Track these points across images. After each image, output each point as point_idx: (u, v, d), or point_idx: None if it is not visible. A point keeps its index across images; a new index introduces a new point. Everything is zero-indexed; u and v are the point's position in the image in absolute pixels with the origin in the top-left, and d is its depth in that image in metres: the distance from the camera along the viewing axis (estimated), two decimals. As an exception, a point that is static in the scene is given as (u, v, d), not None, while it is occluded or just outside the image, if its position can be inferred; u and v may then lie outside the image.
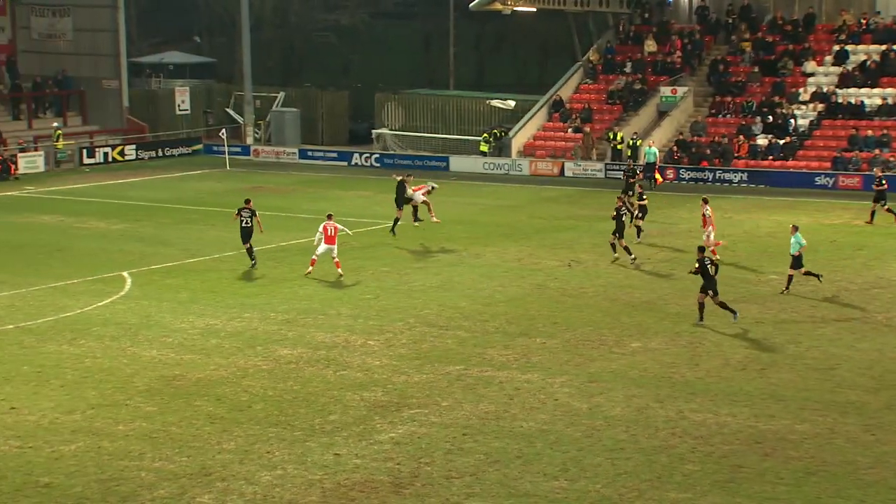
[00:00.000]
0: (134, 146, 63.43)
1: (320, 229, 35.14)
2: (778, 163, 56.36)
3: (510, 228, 40.42)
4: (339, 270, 35.26)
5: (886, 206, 43.75)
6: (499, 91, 70.90)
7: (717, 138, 57.86)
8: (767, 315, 31.37)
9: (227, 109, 69.19)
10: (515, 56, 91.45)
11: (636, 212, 39.68)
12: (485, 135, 62.41)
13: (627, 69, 63.61)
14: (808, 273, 33.41)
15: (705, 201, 38.70)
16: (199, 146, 66.02)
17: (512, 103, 65.29)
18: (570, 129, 61.20)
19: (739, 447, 21.86)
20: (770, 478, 20.46)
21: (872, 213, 44.15)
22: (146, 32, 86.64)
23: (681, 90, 61.05)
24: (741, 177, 55.60)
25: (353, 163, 62.39)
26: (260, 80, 70.84)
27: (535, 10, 67.04)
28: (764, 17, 63.99)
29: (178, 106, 68.69)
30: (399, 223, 40.97)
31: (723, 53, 63.18)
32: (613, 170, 56.57)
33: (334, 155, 63.99)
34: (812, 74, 60.34)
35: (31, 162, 58.11)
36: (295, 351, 28.07)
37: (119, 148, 62.67)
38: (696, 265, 30.15)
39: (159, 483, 20.22)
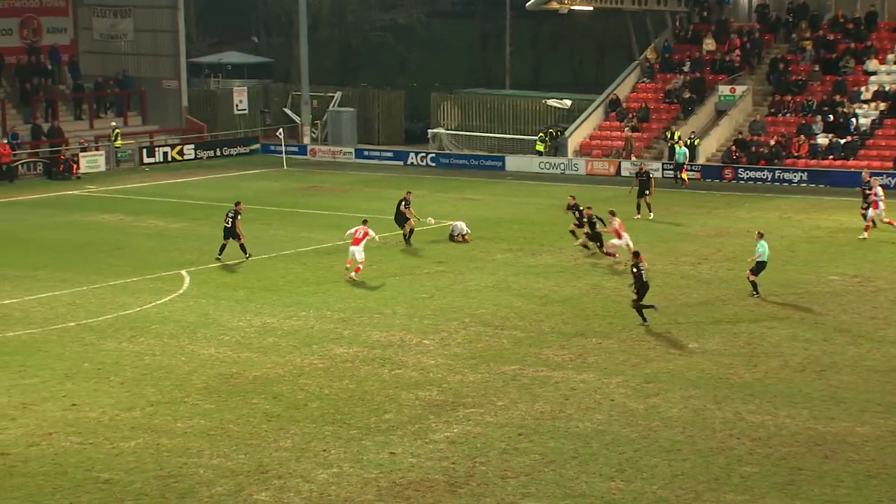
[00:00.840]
0: (192, 146, 63.93)
1: (351, 231, 35.43)
2: (839, 162, 55.69)
3: (566, 228, 40.22)
4: (354, 276, 34.92)
5: None
6: (555, 90, 70.68)
7: (777, 138, 57.27)
8: (827, 317, 31.00)
9: (285, 109, 69.53)
10: (572, 55, 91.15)
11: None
12: (540, 134, 62.24)
13: (686, 68, 63.17)
14: (753, 282, 32.99)
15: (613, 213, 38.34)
16: (257, 146, 66.40)
17: (568, 102, 65.03)
18: (626, 129, 60.88)
19: (798, 449, 21.63)
20: (830, 480, 20.23)
21: None
22: (205, 33, 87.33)
23: (740, 89, 60.52)
24: (801, 176, 55.01)
25: (408, 162, 62.46)
26: (317, 80, 71.12)
27: (591, 8, 66.73)
28: (824, 16, 63.26)
29: (236, 106, 69.14)
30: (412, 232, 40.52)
31: (783, 52, 62.56)
32: (670, 170, 56.19)
33: (390, 154, 64.11)
34: (874, 73, 59.57)
35: (92, 161, 58.76)
36: (351, 350, 28.15)
37: (178, 147, 63.19)
38: (634, 270, 30.03)
39: (217, 480, 20.35)
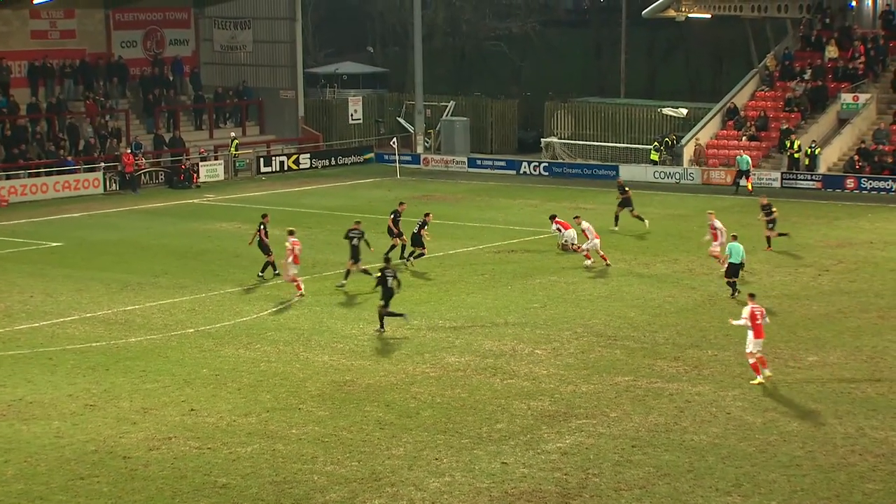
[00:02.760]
0: (308, 155, 64.63)
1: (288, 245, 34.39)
2: (968, 172, 54.06)
3: (681, 238, 39.73)
4: (300, 291, 34.03)
5: None
6: (670, 99, 69.84)
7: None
8: (953, 330, 30.09)
9: (399, 118, 69.93)
10: (688, 63, 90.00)
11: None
12: (655, 143, 61.57)
13: (807, 76, 61.96)
14: (731, 284, 33.13)
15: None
16: (371, 155, 66.84)
17: (684, 111, 64.21)
18: (744, 137, 59.94)
19: (923, 467, 21.04)
20: (956, 500, 19.63)
21: None
22: (322, 43, 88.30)
23: (863, 97, 59.14)
24: (926, 186, 53.58)
25: (521, 171, 62.25)
26: (431, 90, 71.38)
27: (709, 15, 65.86)
28: (953, 21, 61.54)
29: (351, 115, 69.74)
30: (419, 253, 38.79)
31: (908, 59, 61.02)
32: (790, 179, 55.12)
33: (502, 164, 63.96)
34: None
35: (211, 170, 59.79)
36: (462, 358, 28.11)
37: (294, 157, 63.95)
38: (379, 275, 30.23)
39: (331, 487, 20.46)
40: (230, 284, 35.83)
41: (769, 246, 39.82)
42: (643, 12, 62.69)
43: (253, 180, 60.15)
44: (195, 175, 58.11)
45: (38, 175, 54.07)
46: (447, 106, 69.79)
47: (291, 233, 35.00)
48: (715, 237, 37.01)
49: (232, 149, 61.09)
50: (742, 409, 24.33)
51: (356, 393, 25.64)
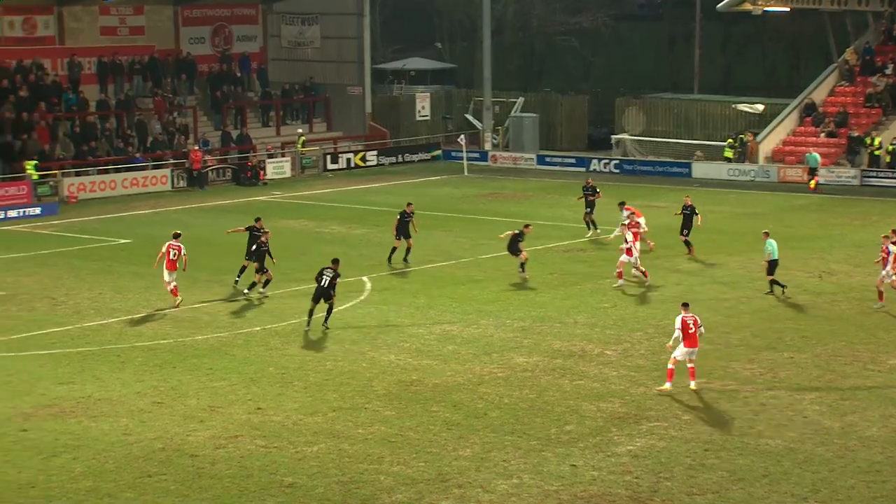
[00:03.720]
0: (375, 152, 64.59)
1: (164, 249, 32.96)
2: None
3: (756, 237, 38.95)
4: (177, 298, 32.89)
5: None
6: (746, 94, 68.89)
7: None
8: None
9: (467, 115, 69.60)
10: (764, 58, 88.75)
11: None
12: (730, 140, 60.65)
13: (888, 70, 60.65)
14: (772, 282, 32.16)
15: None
16: (438, 152, 66.65)
17: (760, 107, 63.23)
18: (822, 134, 58.87)
19: None
20: None
21: None
22: (389, 39, 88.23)
23: (945, 92, 57.85)
24: None
25: (591, 169, 61.65)
26: (499, 86, 70.97)
27: (787, 9, 64.73)
28: None
29: (418, 112, 69.58)
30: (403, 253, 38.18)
31: None
32: (870, 177, 54.03)
33: (572, 161, 63.48)
34: None
35: (278, 167, 59.91)
36: (531, 359, 27.89)
37: (361, 154, 63.94)
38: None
39: (397, 487, 20.38)
40: (296, 282, 35.76)
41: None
42: (718, 6, 61.73)
43: (319, 177, 60.19)
44: (262, 172, 58.25)
45: (106, 172, 54.48)
46: (516, 102, 69.37)
47: (176, 236, 33.70)
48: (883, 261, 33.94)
49: (299, 146, 61.16)
50: (819, 412, 23.82)
51: (423, 393, 25.51)
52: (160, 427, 23.34)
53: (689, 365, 25.33)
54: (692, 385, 25.28)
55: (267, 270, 33.77)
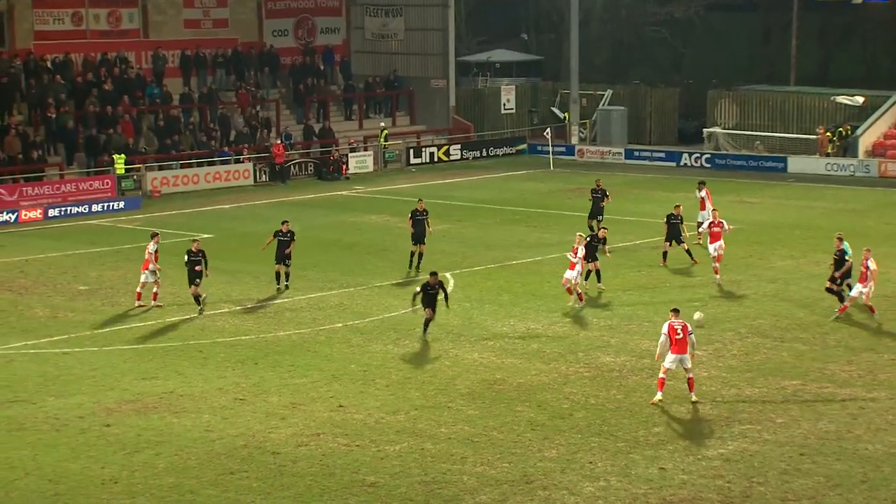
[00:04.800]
0: (459, 146, 64.16)
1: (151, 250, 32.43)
2: None
3: (855, 234, 37.92)
4: (155, 302, 32.23)
5: None
6: (845, 86, 67.16)
7: None
8: None
9: (553, 108, 68.87)
10: (865, 48, 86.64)
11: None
12: (828, 133, 59.24)
13: None
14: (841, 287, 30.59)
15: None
16: (524, 146, 66.05)
17: (860, 99, 61.64)
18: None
19: None
20: None
21: None
22: (474, 31, 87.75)
23: None
24: None
25: (681, 163, 60.71)
26: (587, 78, 70.13)
27: (889, -1, 63.03)
28: None
29: (503, 105, 69.01)
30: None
31: None
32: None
33: (662, 155, 62.52)
34: None
35: (360, 162, 59.75)
36: (618, 359, 27.48)
37: (444, 147, 63.55)
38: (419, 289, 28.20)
39: (481, 488, 20.20)
40: (379, 278, 35.52)
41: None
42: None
43: (402, 172, 59.96)
44: (344, 166, 58.15)
45: (189, 166, 54.73)
46: (604, 95, 68.52)
47: (154, 236, 33.31)
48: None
49: (381, 139, 60.97)
50: (921, 417, 23.01)
51: (507, 392, 25.21)
52: (242, 424, 23.28)
53: (688, 375, 24.44)
54: (692, 397, 24.31)
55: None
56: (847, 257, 31.02)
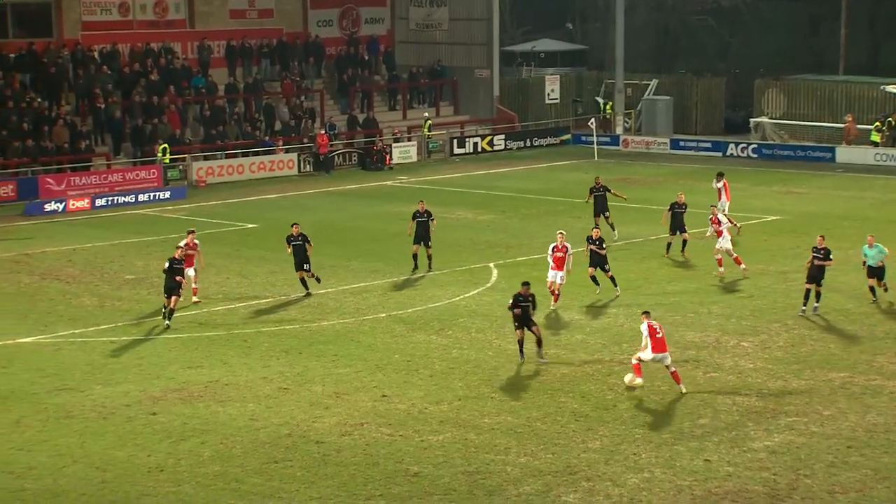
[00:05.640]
0: (503, 136, 64.02)
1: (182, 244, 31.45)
2: None
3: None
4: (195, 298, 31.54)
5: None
6: (894, 76, 66.31)
7: None
8: None
9: (597, 98, 68.51)
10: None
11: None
12: (877, 123, 58.52)
13: None
14: (872, 288, 30.17)
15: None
16: (568, 136, 65.79)
17: (910, 89, 60.88)
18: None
19: None
20: None
21: None
22: (519, 20, 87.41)
23: None
24: None
25: (727, 153, 60.21)
26: (632, 68, 69.69)
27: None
28: None
29: (548, 95, 68.74)
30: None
31: None
32: None
33: (708, 145, 62.04)
34: None
35: (404, 152, 59.74)
36: (663, 349, 27.19)
37: (488, 138, 63.43)
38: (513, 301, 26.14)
39: (524, 479, 20.15)
40: (422, 269, 35.47)
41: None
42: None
43: (446, 162, 59.89)
44: (388, 156, 58.16)
45: (234, 156, 54.95)
46: (649, 84, 68.08)
47: (191, 232, 32.52)
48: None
49: (425, 130, 60.95)
50: (972, 410, 22.71)
51: (550, 383, 25.14)
52: (286, 413, 23.36)
53: (671, 370, 24.38)
54: (682, 389, 24.25)
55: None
56: (876, 260, 30.42)
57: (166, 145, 52.27)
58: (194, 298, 31.68)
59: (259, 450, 21.46)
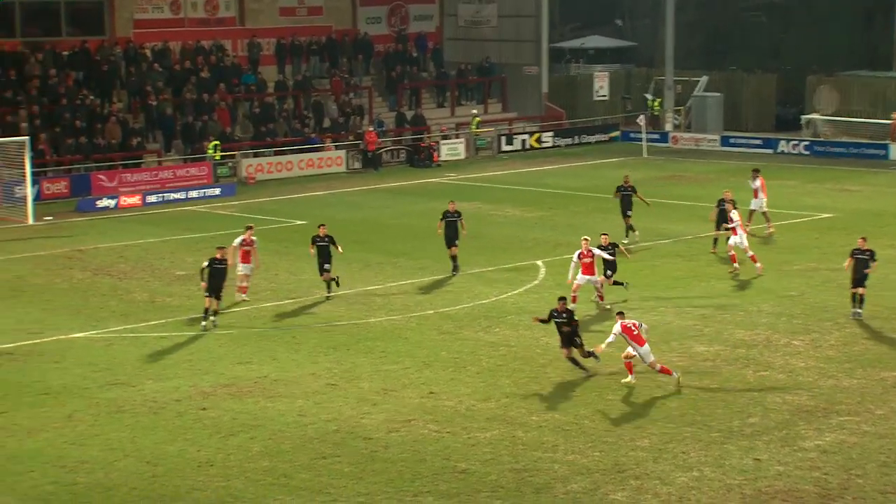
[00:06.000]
0: (551, 133, 63.84)
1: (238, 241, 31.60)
2: None
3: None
4: (244, 296, 31.43)
5: None
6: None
7: None
8: None
9: (646, 95, 68.15)
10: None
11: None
12: (921, 119, 57.88)
13: None
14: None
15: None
16: (617, 133, 65.50)
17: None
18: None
19: None
20: None
21: None
22: (568, 17, 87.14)
23: None
24: None
25: (778, 150, 59.71)
26: (681, 64, 69.18)
27: None
28: None
29: (596, 92, 68.46)
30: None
31: None
32: None
33: (758, 142, 61.54)
34: None
35: (452, 149, 59.74)
36: (712, 348, 27.09)
37: (536, 135, 63.27)
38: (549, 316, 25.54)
39: (572, 477, 20.06)
40: (469, 266, 35.46)
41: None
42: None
43: (494, 159, 59.81)
44: (435, 154, 58.17)
45: (283, 153, 55.20)
46: (699, 81, 67.62)
47: (249, 228, 32.19)
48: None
49: (473, 127, 60.90)
50: None
51: (598, 380, 25.05)
52: (334, 409, 23.42)
53: (657, 366, 24.29)
54: (676, 374, 24.39)
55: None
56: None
57: (217, 142, 52.60)
58: (243, 296, 31.75)
59: (307, 445, 21.53)
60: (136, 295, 32.73)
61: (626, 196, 38.41)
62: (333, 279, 32.05)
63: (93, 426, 22.67)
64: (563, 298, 26.22)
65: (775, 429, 21.92)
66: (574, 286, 30.04)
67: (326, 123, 58.36)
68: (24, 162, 44.25)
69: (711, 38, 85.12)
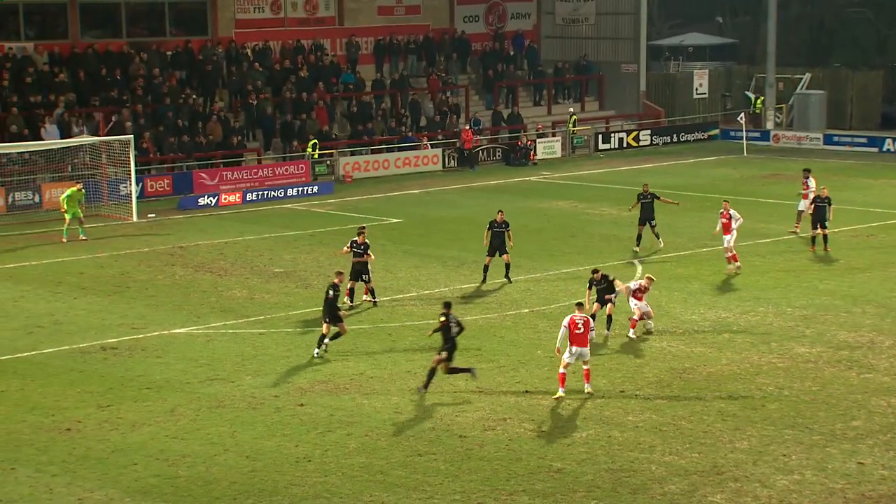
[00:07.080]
0: (649, 131, 63.31)
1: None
2: None
3: None
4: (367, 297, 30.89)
5: None
6: None
7: None
8: None
9: (746, 92, 67.21)
10: None
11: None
12: None
13: None
14: None
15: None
16: (716, 131, 64.73)
17: None
18: None
19: None
20: None
21: None
22: (667, 14, 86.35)
23: None
24: None
25: (884, 149, 58.52)
26: (784, 61, 68.16)
27: None
28: None
29: (696, 89, 67.72)
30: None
31: None
32: None
33: (863, 140, 60.38)
34: None
35: (548, 147, 59.55)
36: (813, 349, 26.63)
37: (634, 133, 62.80)
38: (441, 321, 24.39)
39: (670, 478, 19.88)
40: (565, 264, 35.33)
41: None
42: None
43: (590, 158, 59.49)
44: (532, 152, 58.02)
45: (380, 151, 55.48)
46: (802, 78, 66.49)
47: (362, 231, 31.51)
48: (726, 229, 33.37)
49: (570, 125, 60.63)
50: None
51: (696, 381, 24.75)
52: (430, 406, 23.45)
53: (584, 367, 23.76)
54: (587, 388, 23.69)
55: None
56: None
57: (315, 141, 53.06)
58: (366, 298, 31.31)
59: (403, 443, 21.59)
60: (236, 291, 33.11)
61: (646, 204, 37.17)
62: (371, 290, 30.96)
63: (194, 420, 22.97)
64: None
65: (879, 432, 21.53)
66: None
67: (423, 122, 58.54)
68: (128, 160, 45.12)
69: (815, 34, 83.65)
